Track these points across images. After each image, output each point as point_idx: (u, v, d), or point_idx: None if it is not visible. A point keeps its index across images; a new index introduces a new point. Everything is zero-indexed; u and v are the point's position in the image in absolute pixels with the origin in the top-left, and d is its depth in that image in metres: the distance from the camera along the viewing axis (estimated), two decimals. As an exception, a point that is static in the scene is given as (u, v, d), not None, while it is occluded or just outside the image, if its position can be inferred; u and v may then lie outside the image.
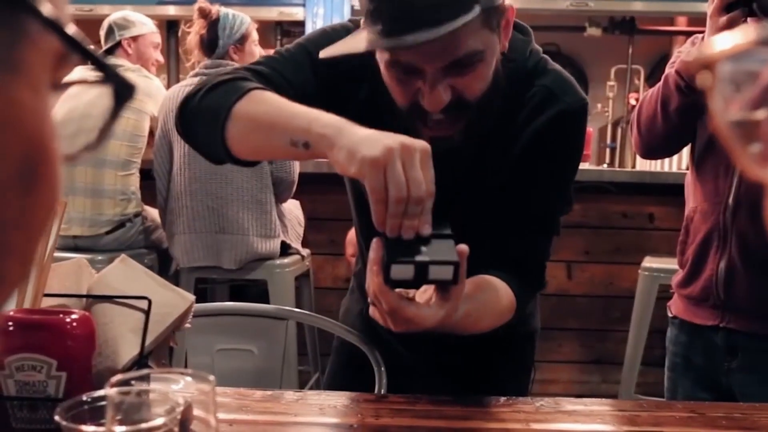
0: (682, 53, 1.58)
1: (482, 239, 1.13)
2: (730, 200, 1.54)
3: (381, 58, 1.04)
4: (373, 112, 1.06)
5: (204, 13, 2.64)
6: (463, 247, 0.91)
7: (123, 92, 0.36)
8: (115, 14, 2.98)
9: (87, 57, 0.34)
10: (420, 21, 0.93)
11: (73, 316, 0.84)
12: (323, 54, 1.04)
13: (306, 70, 1.13)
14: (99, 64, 0.35)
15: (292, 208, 2.77)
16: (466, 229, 1.08)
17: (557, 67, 1.18)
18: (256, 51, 2.76)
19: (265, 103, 1.02)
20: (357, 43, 1.00)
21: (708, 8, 1.43)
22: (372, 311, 0.98)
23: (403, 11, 0.94)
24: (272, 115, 0.99)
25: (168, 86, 3.50)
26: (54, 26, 0.32)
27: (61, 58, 0.34)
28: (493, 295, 1.10)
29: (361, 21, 1.03)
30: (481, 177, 1.17)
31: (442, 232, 0.92)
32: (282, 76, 1.12)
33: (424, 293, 0.98)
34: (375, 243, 0.91)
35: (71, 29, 0.33)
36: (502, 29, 1.05)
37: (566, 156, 1.17)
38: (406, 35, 0.94)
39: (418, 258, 0.89)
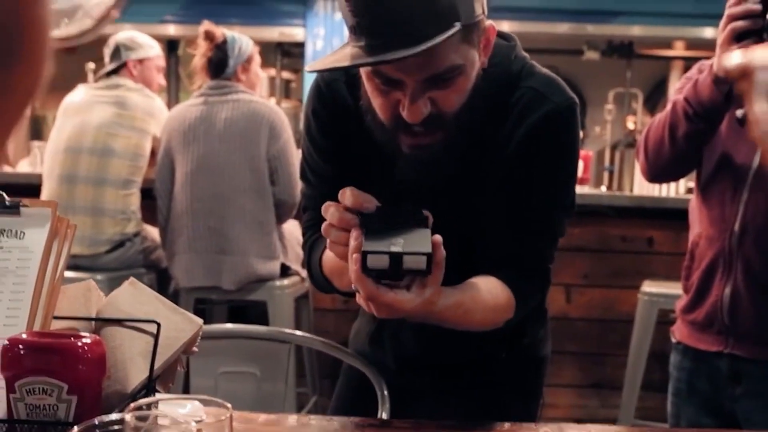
0: (690, 79, 1.59)
1: (481, 242, 1.14)
2: (736, 226, 1.54)
3: (364, 69, 1.07)
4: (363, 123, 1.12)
5: (210, 36, 2.65)
6: (437, 237, 0.96)
7: None
8: (122, 34, 2.99)
9: None
10: (402, 37, 0.96)
11: (85, 340, 0.84)
12: (309, 68, 1.08)
13: (320, 146, 1.22)
14: None
15: (293, 229, 2.77)
16: (464, 234, 1.09)
17: (544, 69, 1.19)
18: (260, 73, 2.79)
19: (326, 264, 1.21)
20: (342, 57, 1.02)
21: (718, 37, 1.44)
22: (358, 298, 1.02)
23: (385, 28, 0.97)
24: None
25: (168, 106, 3.50)
26: None
27: None
28: (486, 290, 1.12)
29: (347, 35, 1.05)
30: (475, 182, 1.17)
31: (420, 222, 1.00)
32: (316, 175, 1.25)
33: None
34: (355, 232, 0.97)
35: None
36: (482, 47, 1.08)
37: (559, 156, 1.17)
38: (389, 52, 0.96)
39: (393, 248, 0.95)
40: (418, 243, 0.96)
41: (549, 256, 1.21)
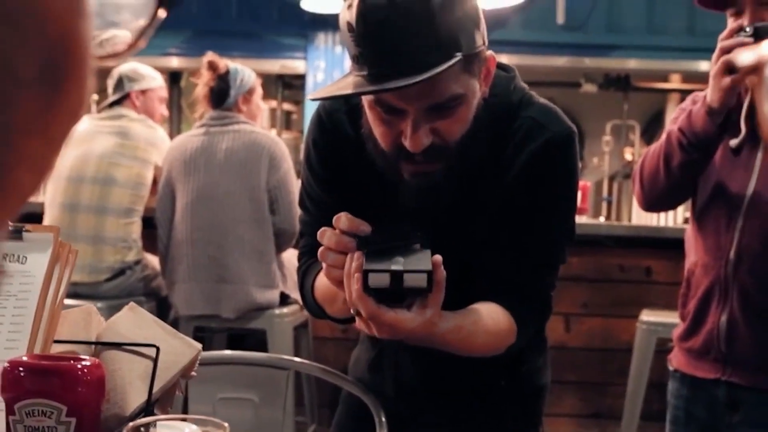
0: (684, 110, 1.61)
1: (482, 269, 1.15)
2: (732, 254, 1.55)
3: (366, 98, 1.09)
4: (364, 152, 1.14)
5: (213, 66, 2.69)
6: (438, 257, 0.98)
7: None
8: (125, 66, 3.03)
9: None
10: (404, 67, 0.98)
11: (84, 363, 0.85)
12: (312, 96, 1.10)
13: (319, 175, 1.24)
14: None
15: (292, 258, 2.78)
16: (465, 261, 1.10)
17: (543, 100, 1.21)
18: (261, 104, 2.82)
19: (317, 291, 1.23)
20: (344, 86, 1.04)
21: (711, 69, 1.46)
22: (358, 323, 1.03)
23: (387, 57, 0.99)
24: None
25: (171, 136, 3.53)
26: None
27: None
28: (488, 315, 1.12)
29: (347, 67, 1.08)
30: (475, 209, 1.19)
31: (419, 242, 1.02)
32: (315, 203, 1.26)
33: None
34: (356, 255, 0.98)
35: None
36: (482, 77, 1.10)
37: (559, 184, 1.19)
38: (391, 81, 0.98)
39: (394, 267, 0.97)
40: (419, 262, 0.98)
41: (550, 283, 1.22)
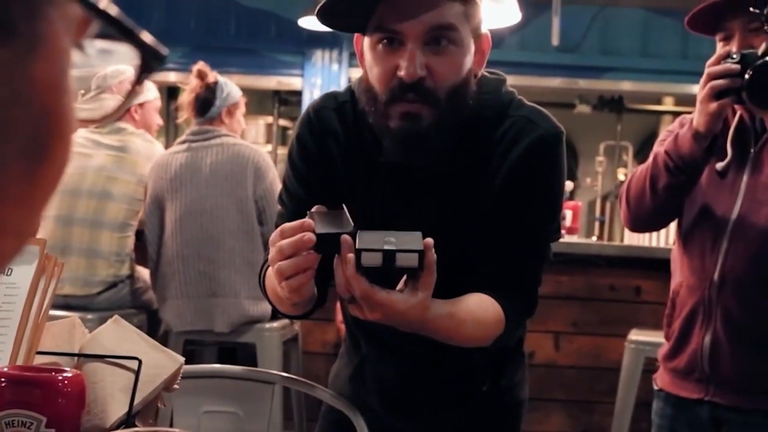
0: (671, 132, 1.63)
1: (471, 265, 1.17)
2: (716, 276, 1.57)
3: (372, 42, 1.14)
4: (393, 175, 1.20)
5: (201, 75, 2.71)
6: (429, 240, 1.01)
7: (150, 60, 0.34)
8: None
9: (114, 25, 0.32)
10: None
11: (65, 374, 0.86)
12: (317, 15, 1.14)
13: (298, 168, 1.26)
14: (126, 32, 0.32)
15: (284, 271, 2.79)
16: (456, 258, 1.12)
17: (532, 103, 1.25)
18: (242, 121, 2.85)
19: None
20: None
21: (698, 94, 1.48)
22: (351, 308, 1.06)
23: None
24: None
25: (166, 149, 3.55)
26: None
27: (84, 22, 0.32)
28: (477, 305, 1.15)
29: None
30: (466, 206, 1.21)
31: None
32: (292, 197, 1.28)
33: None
34: (346, 238, 1.00)
35: None
36: (476, 49, 1.16)
37: (548, 181, 1.22)
38: None
39: (387, 246, 1.00)
40: (410, 242, 1.01)
41: (537, 277, 1.25)
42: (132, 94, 0.35)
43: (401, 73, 1.10)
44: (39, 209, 0.32)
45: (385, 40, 1.12)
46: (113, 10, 0.32)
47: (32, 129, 0.30)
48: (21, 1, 0.29)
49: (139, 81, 0.34)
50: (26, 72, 0.29)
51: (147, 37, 0.33)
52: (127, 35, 0.32)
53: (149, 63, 0.33)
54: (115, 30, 0.32)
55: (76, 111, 0.32)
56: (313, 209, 1.07)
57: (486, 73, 1.23)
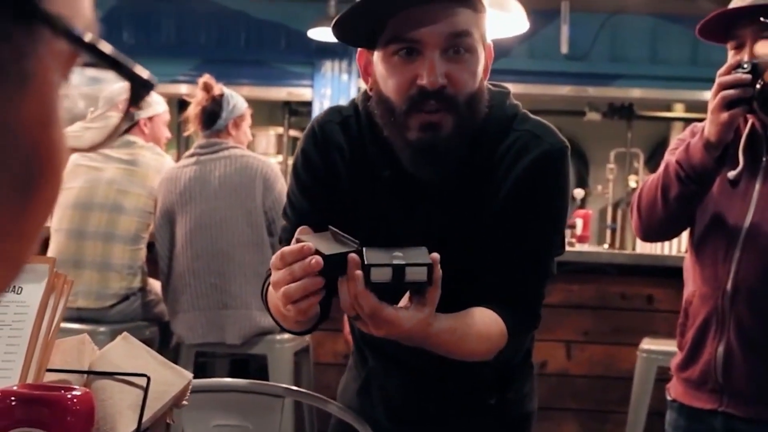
0: (682, 141, 1.62)
1: (475, 279, 1.17)
2: (729, 286, 1.56)
3: (386, 54, 1.14)
4: (398, 189, 1.19)
5: (207, 87, 2.73)
6: (435, 254, 1.02)
7: (139, 90, 0.34)
8: None
9: (101, 58, 0.32)
10: None
11: (75, 393, 0.86)
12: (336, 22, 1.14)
13: (302, 181, 1.26)
14: (114, 63, 0.33)
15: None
16: (459, 272, 1.12)
17: (536, 117, 1.25)
18: (249, 133, 2.86)
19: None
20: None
21: (710, 103, 1.48)
22: (357, 324, 1.06)
23: None
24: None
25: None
26: (67, 33, 0.31)
27: (72, 55, 0.33)
28: (480, 319, 1.15)
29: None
30: (470, 221, 1.21)
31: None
32: (296, 211, 1.27)
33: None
34: (353, 257, 1.00)
35: (83, 32, 0.31)
36: (483, 56, 1.17)
37: (553, 196, 1.22)
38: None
39: (396, 261, 1.01)
40: (418, 257, 1.02)
41: (541, 292, 1.24)
42: (123, 121, 0.36)
43: (422, 81, 1.10)
44: (32, 239, 0.32)
45: (402, 50, 1.12)
46: (100, 44, 0.32)
47: (23, 163, 0.30)
48: (9, 42, 0.29)
49: (128, 109, 0.34)
50: (16, 109, 0.30)
51: (135, 67, 0.33)
52: (115, 66, 0.33)
53: (138, 92, 0.34)
54: (102, 62, 0.32)
55: (68, 140, 0.33)
56: (296, 234, 1.07)
57: (490, 86, 1.23)
